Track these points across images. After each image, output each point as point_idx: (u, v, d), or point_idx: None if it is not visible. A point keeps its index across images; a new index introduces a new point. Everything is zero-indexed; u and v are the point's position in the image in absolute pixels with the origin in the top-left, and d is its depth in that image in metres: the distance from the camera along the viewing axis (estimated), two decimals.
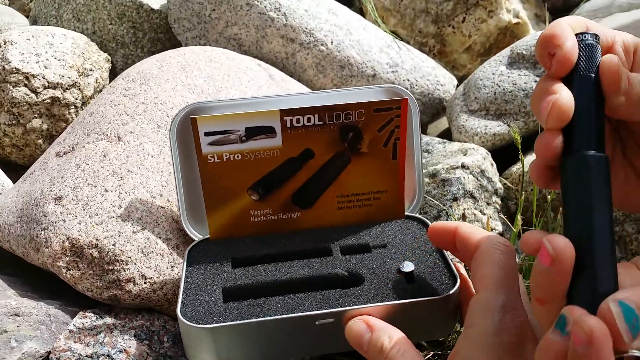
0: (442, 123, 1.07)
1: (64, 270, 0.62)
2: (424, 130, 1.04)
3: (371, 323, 0.50)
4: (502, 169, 0.86)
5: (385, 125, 0.62)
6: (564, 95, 0.36)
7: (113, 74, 1.06)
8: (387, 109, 0.61)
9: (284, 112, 0.60)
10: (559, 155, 0.37)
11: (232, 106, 0.63)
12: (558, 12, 1.21)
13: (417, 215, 0.68)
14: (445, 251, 0.61)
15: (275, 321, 0.53)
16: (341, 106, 0.61)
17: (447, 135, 1.00)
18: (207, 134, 0.60)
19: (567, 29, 0.37)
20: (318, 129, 0.61)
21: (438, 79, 1.01)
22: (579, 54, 0.37)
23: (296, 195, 0.65)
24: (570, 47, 0.37)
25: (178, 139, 0.63)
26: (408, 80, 0.98)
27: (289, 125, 0.61)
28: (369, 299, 0.56)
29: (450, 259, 0.60)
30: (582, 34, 0.38)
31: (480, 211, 0.75)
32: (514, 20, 1.06)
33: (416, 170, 0.67)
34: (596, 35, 0.38)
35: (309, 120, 0.61)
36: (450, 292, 0.55)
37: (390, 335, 0.48)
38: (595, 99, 0.37)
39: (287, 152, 0.62)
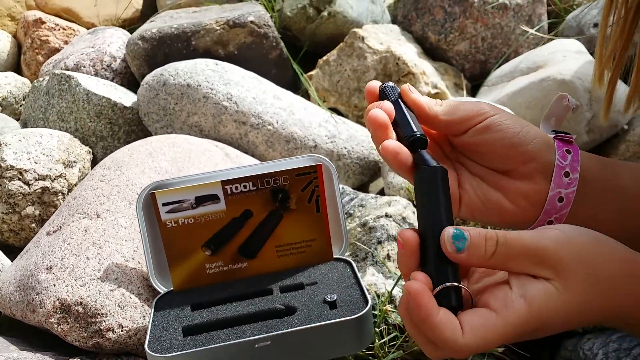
0: (382, 182, 1.23)
1: (56, 325, 0.76)
2: (365, 189, 1.21)
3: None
4: None
5: (307, 186, 0.78)
6: (383, 105, 0.57)
7: (95, 162, 1.23)
8: (306, 173, 0.78)
9: (224, 182, 0.76)
10: (406, 156, 0.55)
11: (185, 181, 0.78)
12: (475, 79, 1.40)
13: (344, 257, 0.83)
14: (361, 281, 0.76)
15: (223, 347, 0.67)
16: (270, 173, 0.77)
17: (383, 192, 1.16)
18: (164, 204, 0.76)
19: (374, 83, 0.61)
20: (254, 193, 0.77)
21: (372, 144, 1.18)
22: (386, 91, 0.60)
23: (242, 248, 0.80)
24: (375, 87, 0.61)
25: (144, 211, 0.78)
26: (345, 148, 1.15)
27: (229, 192, 0.77)
28: (299, 324, 0.70)
29: (367, 289, 0.75)
30: (384, 83, 0.61)
31: None
32: (433, 91, 1.25)
33: (341, 220, 0.83)
34: (393, 84, 0.60)
35: (245, 187, 0.77)
36: (361, 313, 0.69)
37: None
38: (406, 109, 0.59)
39: (230, 213, 0.78)
